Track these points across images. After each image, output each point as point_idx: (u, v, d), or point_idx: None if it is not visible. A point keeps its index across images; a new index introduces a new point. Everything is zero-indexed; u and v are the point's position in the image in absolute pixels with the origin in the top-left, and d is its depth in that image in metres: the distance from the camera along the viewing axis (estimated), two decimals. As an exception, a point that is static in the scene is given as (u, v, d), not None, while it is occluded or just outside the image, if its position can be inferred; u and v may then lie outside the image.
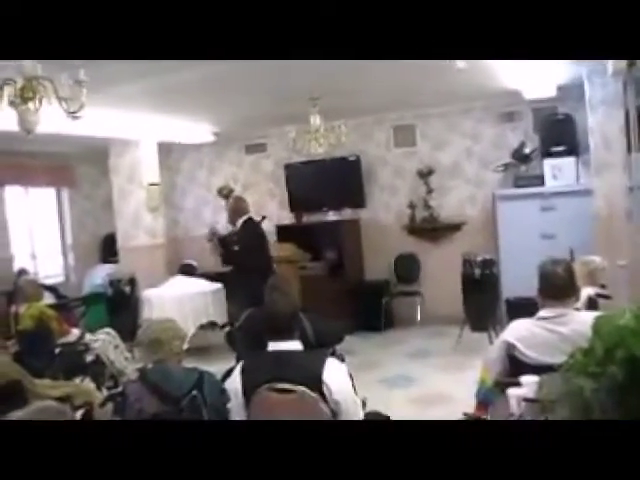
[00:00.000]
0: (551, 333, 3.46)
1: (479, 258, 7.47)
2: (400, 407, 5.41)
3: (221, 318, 8.09)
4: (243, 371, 3.19)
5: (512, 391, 3.04)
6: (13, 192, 9.58)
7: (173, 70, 5.22)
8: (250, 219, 6.90)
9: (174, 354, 3.41)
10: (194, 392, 3.26)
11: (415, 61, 5.56)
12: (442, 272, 8.87)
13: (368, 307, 8.74)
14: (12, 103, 3.61)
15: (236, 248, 6.78)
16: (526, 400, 2.88)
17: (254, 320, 4.53)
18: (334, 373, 3.08)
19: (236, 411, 3.21)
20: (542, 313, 3.58)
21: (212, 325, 8.17)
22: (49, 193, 10.33)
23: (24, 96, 3.53)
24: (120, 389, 3.80)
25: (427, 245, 9.26)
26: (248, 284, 6.43)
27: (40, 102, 3.47)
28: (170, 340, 3.40)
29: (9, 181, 9.34)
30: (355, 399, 3.18)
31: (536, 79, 7.30)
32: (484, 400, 4.68)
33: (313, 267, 8.65)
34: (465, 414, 5.14)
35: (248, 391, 3.11)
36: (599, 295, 4.86)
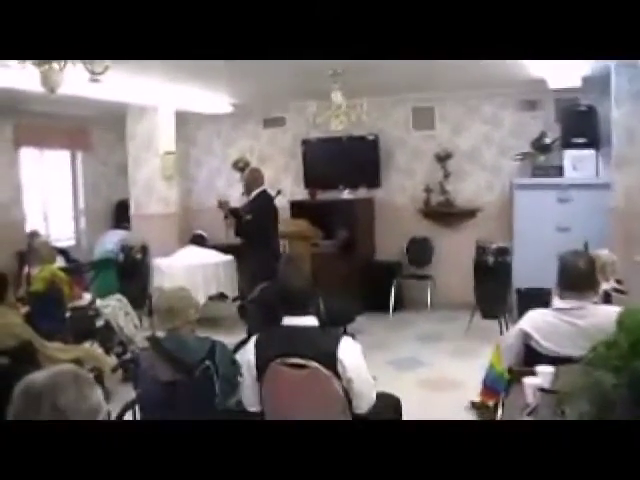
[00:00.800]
0: (569, 325, 3.44)
1: (493, 246, 7.41)
2: (409, 390, 5.38)
3: (231, 290, 8.08)
4: (257, 344, 3.19)
5: (528, 380, 3.01)
6: (28, 153, 9.55)
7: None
8: (264, 191, 6.90)
9: (188, 323, 3.40)
10: (207, 362, 3.25)
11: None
12: (455, 257, 8.83)
13: (378, 288, 8.69)
14: (35, 62, 3.56)
15: (248, 218, 6.76)
16: (542, 390, 2.85)
17: (268, 294, 4.52)
18: (349, 351, 3.07)
19: (248, 384, 3.22)
20: (560, 304, 3.56)
21: (221, 296, 8.17)
22: (64, 156, 10.29)
23: (48, 54, 3.48)
24: (131, 356, 3.81)
25: (441, 229, 9.21)
26: (259, 257, 6.45)
27: (64, 62, 3.42)
28: (185, 309, 3.38)
29: (25, 142, 9.31)
30: (369, 378, 3.18)
31: (562, 69, 7.21)
32: (491, 386, 4.69)
33: (325, 245, 8.59)
34: (472, 402, 5.17)
35: (261, 364, 3.11)
36: (615, 290, 4.82)
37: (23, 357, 4.16)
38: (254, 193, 6.89)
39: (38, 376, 1.72)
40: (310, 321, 3.17)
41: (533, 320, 3.61)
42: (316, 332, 3.17)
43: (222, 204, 7.15)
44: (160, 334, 3.41)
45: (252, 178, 6.95)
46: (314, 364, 2.99)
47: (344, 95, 6.99)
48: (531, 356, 3.51)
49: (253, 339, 3.23)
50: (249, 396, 3.23)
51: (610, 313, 3.40)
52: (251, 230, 6.70)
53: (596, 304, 3.62)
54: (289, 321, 3.16)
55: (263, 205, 6.86)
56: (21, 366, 4.21)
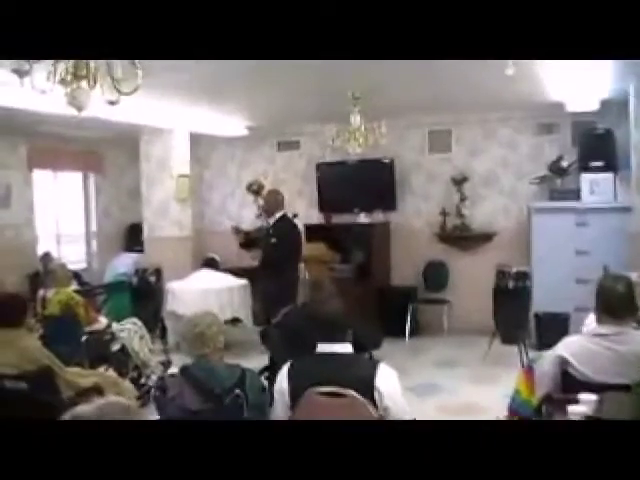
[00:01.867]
0: (608, 351, 3.34)
1: (513, 270, 7.34)
2: (432, 416, 5.27)
3: (245, 315, 7.98)
4: (290, 372, 3.09)
5: (573, 408, 2.92)
6: (42, 175, 9.52)
7: (211, 61, 5.13)
8: (286, 215, 6.81)
9: (217, 350, 3.29)
10: (237, 390, 3.14)
11: (457, 65, 5.64)
12: (471, 281, 8.76)
13: (394, 313, 8.59)
14: (62, 81, 3.49)
15: (274, 241, 6.64)
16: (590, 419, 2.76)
17: (294, 318, 4.42)
18: (386, 379, 2.99)
19: (280, 412, 3.11)
20: (599, 330, 3.45)
21: (234, 321, 8.06)
22: (76, 178, 10.25)
23: (77, 74, 3.41)
24: (156, 382, 3.69)
25: (457, 253, 9.13)
26: (278, 281, 6.34)
27: (95, 81, 3.35)
28: (214, 336, 3.28)
29: (38, 164, 9.28)
30: (405, 407, 3.07)
31: (580, 92, 7.18)
32: (517, 411, 4.56)
33: (341, 269, 8.50)
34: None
35: (295, 392, 3.01)
36: (646, 315, 4.72)
37: (42, 382, 4.07)
38: (276, 216, 6.79)
39: (86, 408, 1.63)
40: (346, 348, 3.08)
41: (570, 346, 3.50)
42: (352, 360, 3.07)
43: (237, 231, 7.06)
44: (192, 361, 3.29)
45: (274, 200, 6.86)
46: (351, 393, 2.89)
47: (362, 118, 6.94)
48: (568, 383, 3.41)
49: (286, 366, 3.13)
50: (280, 425, 3.13)
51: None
52: (276, 254, 6.61)
53: (636, 329, 3.52)
54: (324, 348, 3.06)
55: (288, 229, 6.81)
56: (40, 391, 4.13)
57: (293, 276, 6.51)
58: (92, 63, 3.42)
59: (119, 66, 3.46)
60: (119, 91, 3.50)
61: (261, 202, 8.62)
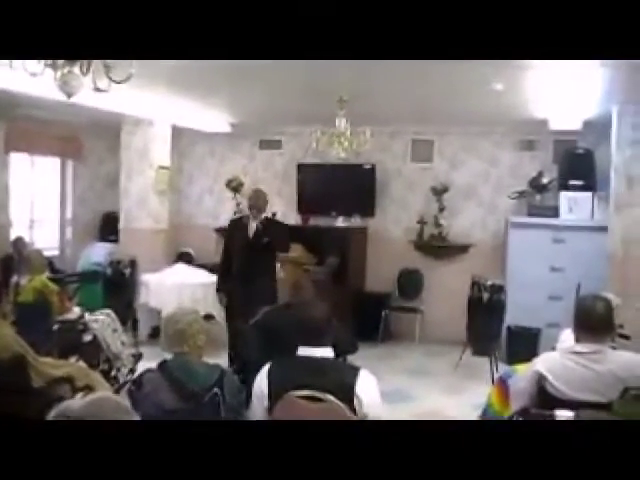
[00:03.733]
0: (585, 369, 3.35)
1: (489, 282, 7.35)
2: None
3: (218, 312, 7.90)
4: (270, 374, 3.06)
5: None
6: (18, 158, 9.37)
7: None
8: (274, 215, 6.75)
9: (197, 348, 3.26)
10: (215, 389, 3.11)
11: (446, 77, 5.68)
12: (445, 292, 8.80)
13: (367, 318, 8.59)
14: (53, 65, 3.43)
15: (265, 240, 6.53)
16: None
17: (274, 318, 4.39)
18: (366, 386, 2.98)
19: (258, 414, 3.09)
20: (577, 348, 3.47)
21: (207, 318, 7.99)
22: (54, 163, 10.11)
23: (70, 58, 3.36)
24: (134, 377, 3.65)
25: (432, 263, 9.17)
26: (259, 280, 6.27)
27: (88, 67, 3.30)
28: (195, 334, 3.25)
29: (16, 147, 9.11)
30: (383, 414, 3.06)
31: (564, 110, 7.25)
32: (489, 424, 4.58)
33: (316, 271, 8.48)
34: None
35: (274, 395, 2.99)
36: (619, 335, 4.76)
37: (14, 371, 3.99)
38: (264, 215, 6.62)
39: (75, 403, 1.59)
40: (327, 352, 3.06)
41: (549, 362, 3.51)
42: (333, 364, 3.06)
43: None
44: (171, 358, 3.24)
45: (262, 200, 6.65)
46: (331, 398, 2.87)
47: (348, 122, 6.93)
48: (544, 399, 3.43)
49: (265, 368, 3.10)
50: (257, 427, 3.10)
51: (627, 359, 3.37)
52: (265, 253, 6.49)
53: (614, 349, 3.55)
54: (305, 351, 3.04)
55: (279, 229, 6.70)
56: (10, 380, 4.05)
57: (272, 276, 6.48)
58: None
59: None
60: (111, 79, 3.45)
61: (241, 200, 8.58)
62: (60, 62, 3.41)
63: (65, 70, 3.40)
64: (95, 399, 1.62)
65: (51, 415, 1.60)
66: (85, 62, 3.33)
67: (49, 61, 3.40)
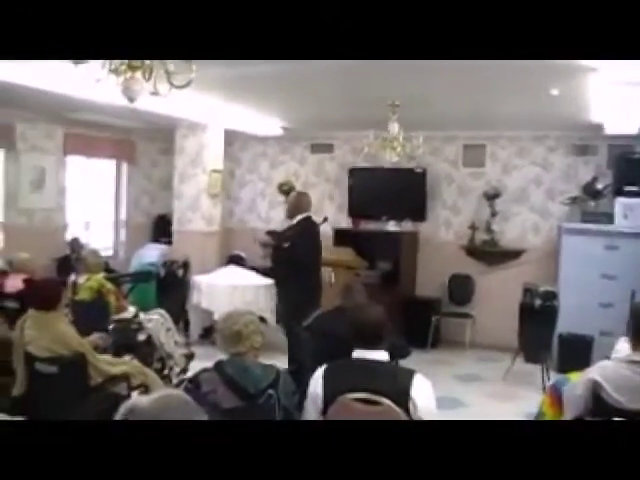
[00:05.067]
0: (643, 378, 3.31)
1: (541, 289, 7.28)
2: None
3: (270, 315, 7.97)
4: (325, 376, 3.08)
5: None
6: (75, 160, 9.59)
7: (250, 60, 5.12)
8: (309, 218, 6.63)
9: (253, 349, 3.30)
10: (270, 391, 3.15)
11: (500, 82, 5.65)
12: (496, 297, 8.73)
13: (417, 323, 8.56)
14: (115, 70, 3.52)
15: (286, 245, 6.54)
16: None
17: (327, 321, 4.42)
18: (421, 389, 2.99)
19: (312, 416, 3.11)
20: (634, 357, 3.42)
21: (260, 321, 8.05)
22: (109, 166, 10.32)
23: (131, 64, 3.44)
24: (187, 376, 3.72)
25: (484, 268, 9.10)
26: (300, 284, 6.28)
27: (150, 73, 3.37)
28: (251, 335, 3.28)
29: (73, 150, 9.34)
30: (436, 419, 3.06)
31: (621, 115, 7.12)
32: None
33: (367, 275, 8.48)
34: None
35: (329, 397, 3.01)
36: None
37: (74, 368, 4.11)
38: (298, 218, 6.58)
39: (143, 400, 1.63)
40: (382, 356, 3.08)
41: (605, 370, 3.47)
42: (389, 368, 3.08)
43: (264, 245, 7.04)
44: (227, 358, 3.29)
45: (298, 202, 6.64)
46: (387, 402, 2.89)
47: (400, 127, 6.94)
48: (599, 408, 3.39)
49: (321, 370, 3.13)
50: (311, 428, 3.13)
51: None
52: (289, 258, 6.45)
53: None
54: (360, 354, 3.06)
55: (305, 232, 6.56)
56: (70, 376, 4.17)
57: (315, 280, 6.43)
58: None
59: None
60: (172, 84, 3.53)
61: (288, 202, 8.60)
62: (123, 67, 3.50)
63: (128, 75, 3.49)
64: (163, 396, 1.66)
65: (120, 413, 1.63)
66: (147, 67, 3.40)
67: (112, 66, 3.49)
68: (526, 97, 6.41)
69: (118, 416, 1.64)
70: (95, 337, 4.86)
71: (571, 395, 3.65)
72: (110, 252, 10.24)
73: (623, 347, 3.74)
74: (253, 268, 9.01)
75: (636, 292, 6.69)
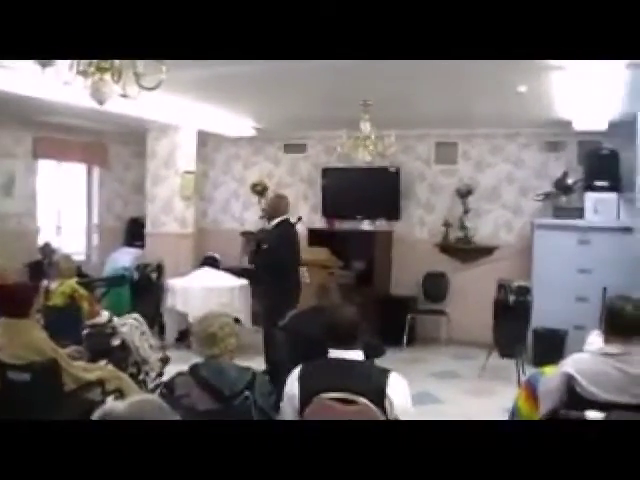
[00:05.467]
0: (615, 370, 3.35)
1: (515, 284, 7.33)
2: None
3: (245, 316, 7.95)
4: (301, 376, 3.08)
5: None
6: (45, 165, 9.50)
7: (223, 61, 5.10)
8: (287, 220, 6.72)
9: (228, 351, 3.28)
10: (246, 392, 3.14)
11: (470, 80, 5.69)
12: (470, 294, 8.77)
13: (392, 322, 8.58)
14: (84, 72, 3.49)
15: (265, 247, 6.60)
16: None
17: (303, 321, 4.42)
18: (397, 388, 3.00)
19: (289, 416, 3.10)
20: (607, 349, 3.46)
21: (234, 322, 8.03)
22: (80, 170, 10.23)
23: (100, 66, 3.42)
24: (163, 380, 3.70)
25: (458, 265, 9.15)
26: (279, 285, 6.32)
27: (119, 75, 3.35)
28: (226, 337, 3.27)
29: (43, 154, 9.25)
30: (413, 416, 3.07)
31: (589, 111, 7.21)
32: (517, 428, 4.57)
33: (342, 275, 8.49)
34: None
35: (306, 397, 3.01)
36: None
37: (47, 375, 4.06)
38: (276, 221, 6.70)
39: (118, 405, 1.61)
40: (357, 355, 3.08)
41: (578, 363, 3.51)
42: (364, 367, 3.08)
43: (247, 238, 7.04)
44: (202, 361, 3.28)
45: (277, 205, 6.74)
46: (363, 401, 2.89)
47: (373, 126, 6.96)
48: (573, 400, 3.42)
49: (297, 370, 3.13)
50: (287, 429, 3.12)
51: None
52: (268, 259, 6.54)
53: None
54: (336, 354, 3.06)
55: (284, 235, 6.67)
56: (43, 383, 4.11)
57: (294, 281, 6.48)
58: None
59: (141, 61, 3.45)
60: (141, 86, 3.50)
61: (264, 205, 8.62)
62: (91, 70, 3.47)
63: (96, 77, 3.46)
64: (138, 401, 1.64)
65: (94, 417, 1.62)
66: (116, 69, 3.38)
67: (81, 68, 3.46)
68: (496, 95, 6.46)
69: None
70: (71, 350, 4.80)
71: (546, 389, 3.69)
72: (83, 257, 10.16)
73: (595, 340, 3.77)
74: (228, 269, 8.98)
75: (608, 287, 6.76)
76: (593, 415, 2.95)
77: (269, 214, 6.81)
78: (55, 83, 3.60)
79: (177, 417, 1.68)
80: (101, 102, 3.50)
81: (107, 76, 3.39)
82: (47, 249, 8.80)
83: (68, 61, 3.40)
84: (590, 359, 3.49)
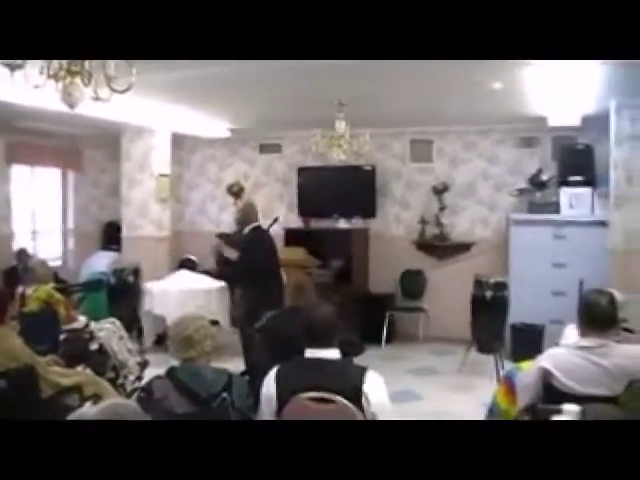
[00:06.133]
0: (591, 363, 3.39)
1: (491, 280, 7.37)
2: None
3: (223, 318, 7.93)
4: (278, 377, 3.08)
5: (556, 419, 2.95)
6: (19, 170, 9.41)
7: (196, 62, 5.09)
8: (259, 227, 6.65)
9: (204, 354, 3.27)
10: (224, 394, 3.13)
11: (443, 77, 5.70)
12: (448, 290, 8.83)
13: (371, 320, 8.62)
14: (55, 76, 3.46)
15: (234, 258, 6.63)
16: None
17: (280, 322, 4.42)
18: (374, 385, 3.01)
19: (267, 417, 3.10)
20: (582, 342, 3.50)
21: (212, 324, 7.99)
22: (54, 175, 10.15)
23: (71, 69, 3.38)
24: (141, 384, 3.68)
25: (435, 262, 9.20)
26: (260, 287, 6.29)
27: (89, 78, 3.32)
28: (202, 339, 3.26)
29: (17, 159, 9.17)
30: (391, 413, 3.08)
31: (563, 107, 7.27)
32: (495, 422, 4.60)
33: (319, 274, 8.48)
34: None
35: (283, 397, 3.01)
36: (623, 329, 4.78)
37: (23, 381, 4.02)
38: (247, 229, 6.63)
39: (89, 410, 1.61)
40: (334, 354, 3.08)
41: (554, 358, 3.54)
42: (341, 366, 3.08)
43: (217, 253, 7.04)
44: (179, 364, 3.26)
45: (246, 214, 6.69)
46: (339, 399, 2.90)
47: (347, 125, 6.97)
48: (551, 395, 3.45)
49: (273, 371, 3.13)
50: (266, 430, 3.12)
51: (632, 353, 3.40)
52: (241, 269, 6.54)
53: (619, 342, 3.58)
54: (312, 353, 3.07)
55: (256, 241, 6.60)
56: (20, 390, 4.08)
57: (275, 282, 6.46)
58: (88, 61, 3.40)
59: (112, 63, 3.43)
60: (112, 89, 3.47)
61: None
62: (62, 73, 3.44)
63: (67, 81, 3.43)
64: (110, 405, 1.64)
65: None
66: (87, 73, 3.35)
67: (51, 72, 3.43)
68: (470, 92, 6.48)
69: None
70: (49, 359, 4.76)
71: (523, 384, 3.72)
72: (59, 262, 10.07)
73: (571, 333, 3.81)
74: (205, 272, 8.95)
75: (584, 280, 6.81)
76: (569, 409, 2.97)
77: (240, 222, 6.75)
78: (25, 87, 3.56)
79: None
80: (72, 106, 3.47)
81: (78, 79, 3.35)
82: (23, 255, 8.72)
83: (38, 64, 3.37)
84: (566, 353, 3.53)
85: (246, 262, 6.42)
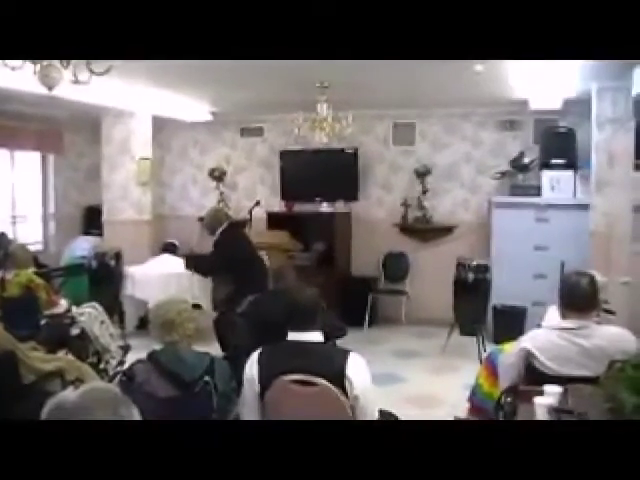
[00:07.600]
0: (573, 345, 3.43)
1: (473, 263, 7.41)
2: (392, 406, 5.30)
3: (205, 301, 7.91)
4: (260, 360, 3.08)
5: (539, 400, 2.98)
6: (-2, 153, 9.31)
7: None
8: (227, 229, 6.60)
9: (186, 337, 3.27)
10: (206, 377, 3.13)
11: (425, 60, 5.65)
12: (430, 273, 8.86)
13: (354, 302, 8.63)
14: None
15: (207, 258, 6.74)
16: (557, 410, 2.82)
17: (262, 305, 4.42)
18: (357, 368, 3.02)
19: (249, 400, 3.11)
20: (563, 324, 3.53)
21: (194, 307, 7.97)
22: (34, 158, 10.03)
23: (48, 52, 3.35)
24: (125, 368, 3.66)
25: (417, 245, 9.21)
26: (241, 273, 6.28)
27: (68, 60, 3.28)
28: (184, 323, 3.26)
29: (-4, 143, 9.06)
30: (374, 396, 3.10)
31: (544, 90, 7.27)
32: (480, 405, 4.64)
33: (302, 257, 8.50)
34: (456, 418, 5.11)
35: (265, 380, 3.01)
36: (604, 310, 4.83)
37: (4, 367, 4.00)
38: (218, 232, 6.58)
39: (70, 395, 1.59)
40: (316, 337, 3.09)
41: (536, 340, 3.57)
42: (323, 348, 3.09)
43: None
44: (161, 348, 3.26)
45: (212, 220, 6.67)
46: (323, 382, 2.90)
47: (330, 107, 6.94)
48: (532, 376, 3.48)
49: (256, 354, 3.12)
50: (249, 412, 3.12)
51: (613, 334, 3.44)
52: (214, 267, 6.69)
53: (599, 324, 3.62)
54: (295, 337, 3.06)
55: (226, 238, 6.57)
56: (1, 377, 4.05)
57: (258, 268, 6.44)
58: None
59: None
60: (91, 71, 3.45)
61: (224, 189, 8.54)
62: (39, 55, 3.40)
63: (45, 63, 3.39)
64: (90, 389, 1.62)
65: (46, 408, 1.59)
66: (64, 54, 3.31)
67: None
68: (452, 75, 6.47)
69: (45, 413, 1.60)
70: (30, 344, 4.73)
71: (504, 366, 3.75)
72: (40, 246, 9.99)
73: (553, 315, 3.84)
74: (187, 256, 8.89)
75: (566, 263, 6.86)
76: (551, 390, 2.99)
77: (210, 229, 6.69)
78: (3, 69, 3.51)
79: (132, 405, 1.65)
80: (50, 87, 3.45)
81: (56, 62, 3.32)
82: (3, 239, 8.63)
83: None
84: (547, 334, 3.56)
85: (219, 261, 6.46)
